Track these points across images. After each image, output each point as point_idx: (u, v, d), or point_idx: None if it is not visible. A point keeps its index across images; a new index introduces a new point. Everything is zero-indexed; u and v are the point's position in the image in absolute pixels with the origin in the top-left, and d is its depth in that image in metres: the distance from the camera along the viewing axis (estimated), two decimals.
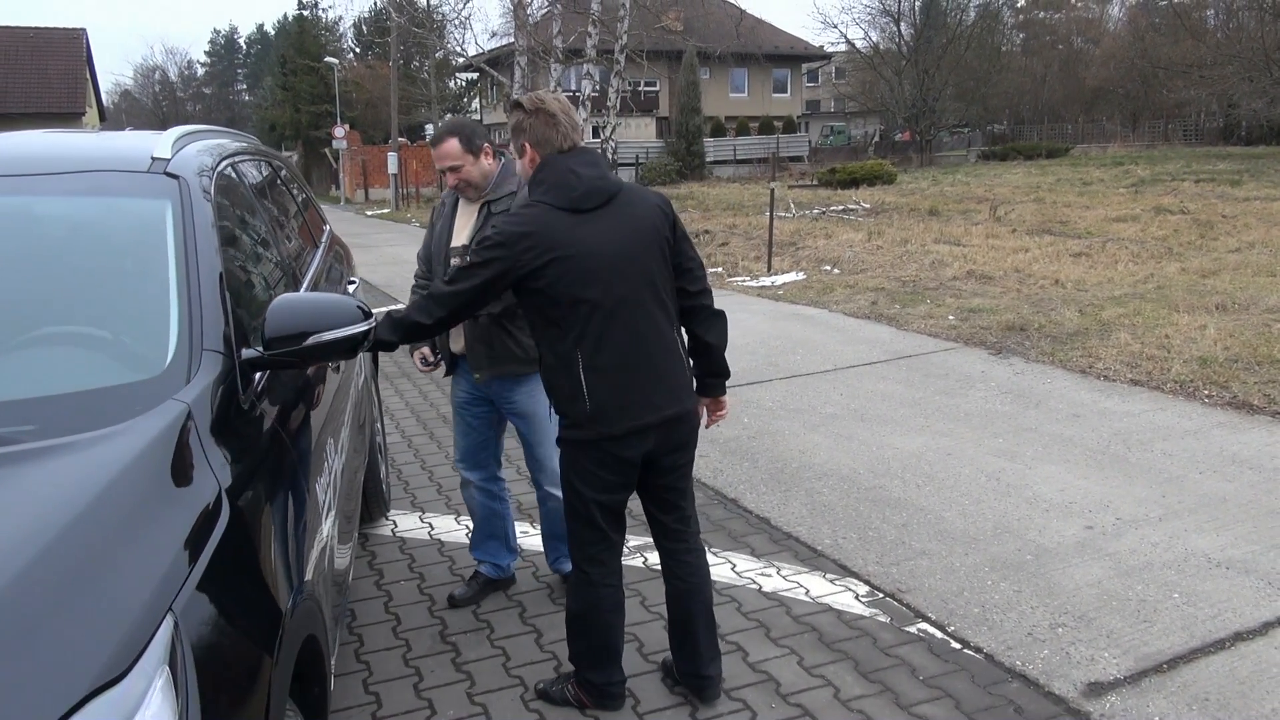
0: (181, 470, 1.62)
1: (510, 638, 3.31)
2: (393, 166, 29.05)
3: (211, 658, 1.36)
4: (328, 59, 35.63)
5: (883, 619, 3.37)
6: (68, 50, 37.81)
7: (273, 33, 77.05)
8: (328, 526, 2.25)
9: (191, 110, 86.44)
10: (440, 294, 2.59)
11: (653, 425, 2.64)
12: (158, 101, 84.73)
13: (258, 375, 2.12)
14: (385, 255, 16.70)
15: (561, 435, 2.69)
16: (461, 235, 3.25)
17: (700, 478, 4.78)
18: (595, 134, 20.95)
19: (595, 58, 19.73)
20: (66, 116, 34.62)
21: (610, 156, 19.99)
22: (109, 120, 50.35)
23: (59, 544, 1.32)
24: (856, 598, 3.53)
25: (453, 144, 3.13)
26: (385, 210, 29.54)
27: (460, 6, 35.50)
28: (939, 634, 3.26)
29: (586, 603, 2.78)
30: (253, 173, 3.31)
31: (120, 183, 2.33)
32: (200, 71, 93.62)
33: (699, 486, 4.69)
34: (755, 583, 3.66)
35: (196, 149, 2.64)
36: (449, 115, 41.04)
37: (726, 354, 2.88)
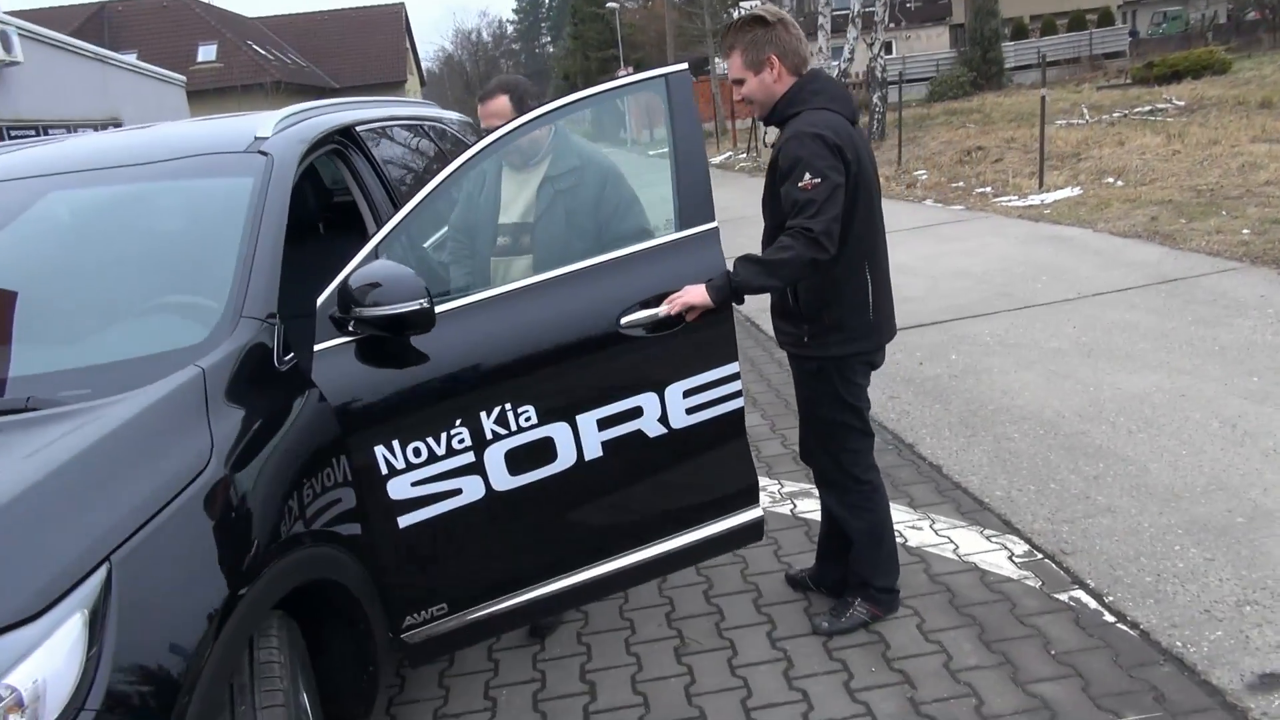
0: (173, 430, 1.80)
1: (740, 626, 3.01)
2: None
3: (141, 609, 1.51)
4: (609, 3, 36.69)
5: (1032, 583, 3.03)
6: (389, 25, 41.98)
7: None
8: (404, 490, 2.28)
9: (504, 67, 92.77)
10: (816, 226, 2.44)
11: (891, 337, 2.84)
12: (475, 62, 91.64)
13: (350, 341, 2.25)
14: (655, 195, 17.05)
15: (835, 353, 2.71)
16: (512, 211, 2.87)
17: (882, 421, 4.53)
18: (839, 53, 19.74)
19: None
20: (390, 86, 38.53)
21: (879, 75, 18.89)
22: (428, 86, 55.32)
23: (18, 499, 1.53)
24: (1010, 557, 3.20)
25: (501, 102, 2.93)
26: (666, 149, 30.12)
27: None
28: (1093, 604, 2.88)
29: (880, 509, 2.87)
30: (397, 140, 3.52)
31: (219, 164, 2.58)
32: (510, 29, 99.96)
33: (878, 429, 4.43)
34: (902, 536, 3.41)
35: (306, 126, 2.83)
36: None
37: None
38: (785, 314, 2.80)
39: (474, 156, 2.49)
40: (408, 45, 43.94)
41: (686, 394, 2.52)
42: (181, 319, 2.23)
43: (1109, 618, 2.81)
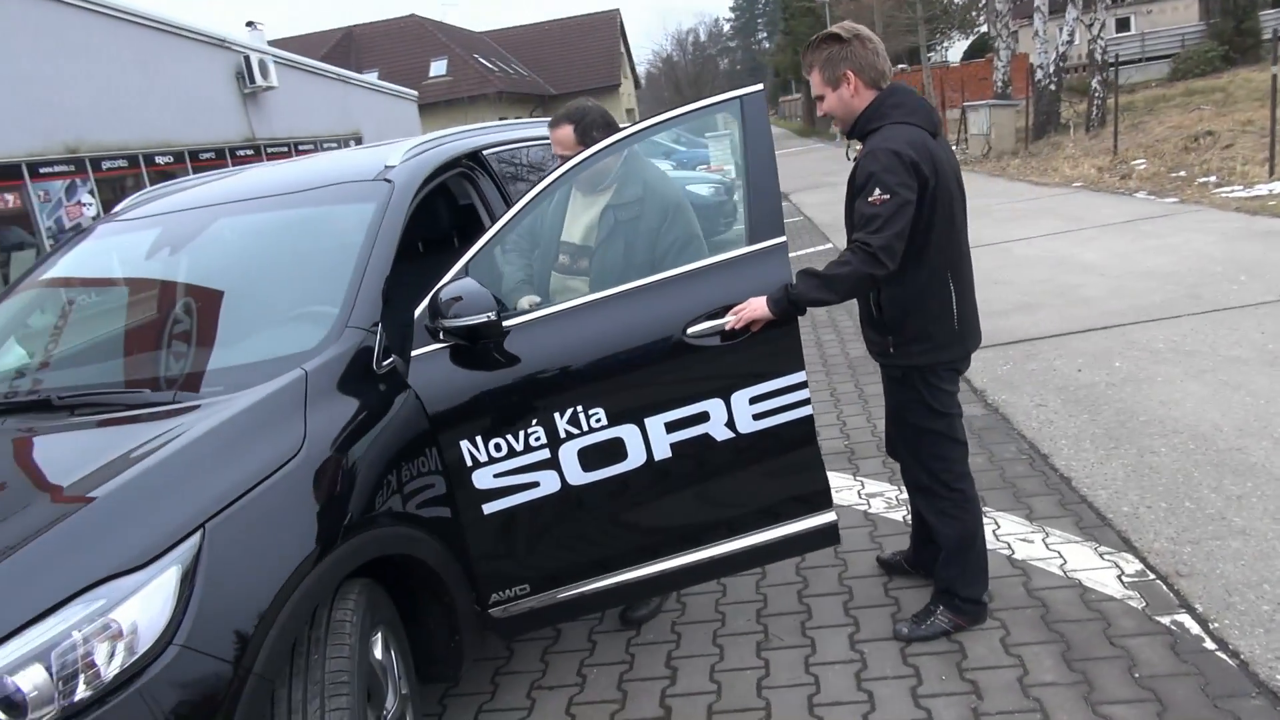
0: (273, 422, 2.16)
1: (824, 626, 3.07)
2: None
3: (227, 568, 1.86)
4: None
5: (1135, 604, 2.92)
6: (604, 31, 43.42)
7: None
8: (487, 481, 2.56)
9: (719, 66, 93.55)
10: (876, 242, 2.51)
11: (978, 345, 2.87)
12: (691, 62, 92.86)
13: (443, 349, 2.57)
14: (839, 193, 16.73)
15: (919, 362, 2.77)
16: (574, 231, 2.94)
17: (1022, 430, 4.41)
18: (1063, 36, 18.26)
19: None
20: (604, 90, 39.88)
21: (1098, 58, 17.56)
22: (643, 88, 56.73)
23: (140, 476, 1.92)
24: (1119, 576, 3.08)
25: (567, 131, 2.99)
26: None
27: None
28: (1195, 629, 2.75)
29: (970, 519, 2.88)
30: (524, 161, 3.84)
31: (352, 191, 2.96)
32: (726, 27, 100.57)
33: (1015, 438, 4.33)
34: (1009, 548, 3.36)
35: (431, 154, 3.18)
36: (959, 34, 38.92)
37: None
38: (871, 323, 2.86)
39: (553, 183, 2.74)
40: (622, 50, 45.26)
41: (753, 400, 2.63)
42: (306, 327, 2.61)
43: (1209, 644, 2.67)
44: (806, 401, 2.66)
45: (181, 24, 15.73)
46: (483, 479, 2.59)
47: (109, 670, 1.68)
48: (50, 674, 1.63)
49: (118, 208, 3.52)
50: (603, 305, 2.64)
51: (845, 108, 2.74)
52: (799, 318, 2.63)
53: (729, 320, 2.57)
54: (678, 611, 3.31)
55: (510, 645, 3.24)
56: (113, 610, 1.71)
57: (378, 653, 2.26)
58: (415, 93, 26.57)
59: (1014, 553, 3.32)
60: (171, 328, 2.77)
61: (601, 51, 43.08)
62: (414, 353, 2.61)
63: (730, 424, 2.65)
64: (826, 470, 2.79)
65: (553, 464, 2.61)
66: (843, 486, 4.09)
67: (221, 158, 16.56)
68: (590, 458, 2.62)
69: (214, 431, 2.07)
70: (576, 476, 2.63)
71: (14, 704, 1.62)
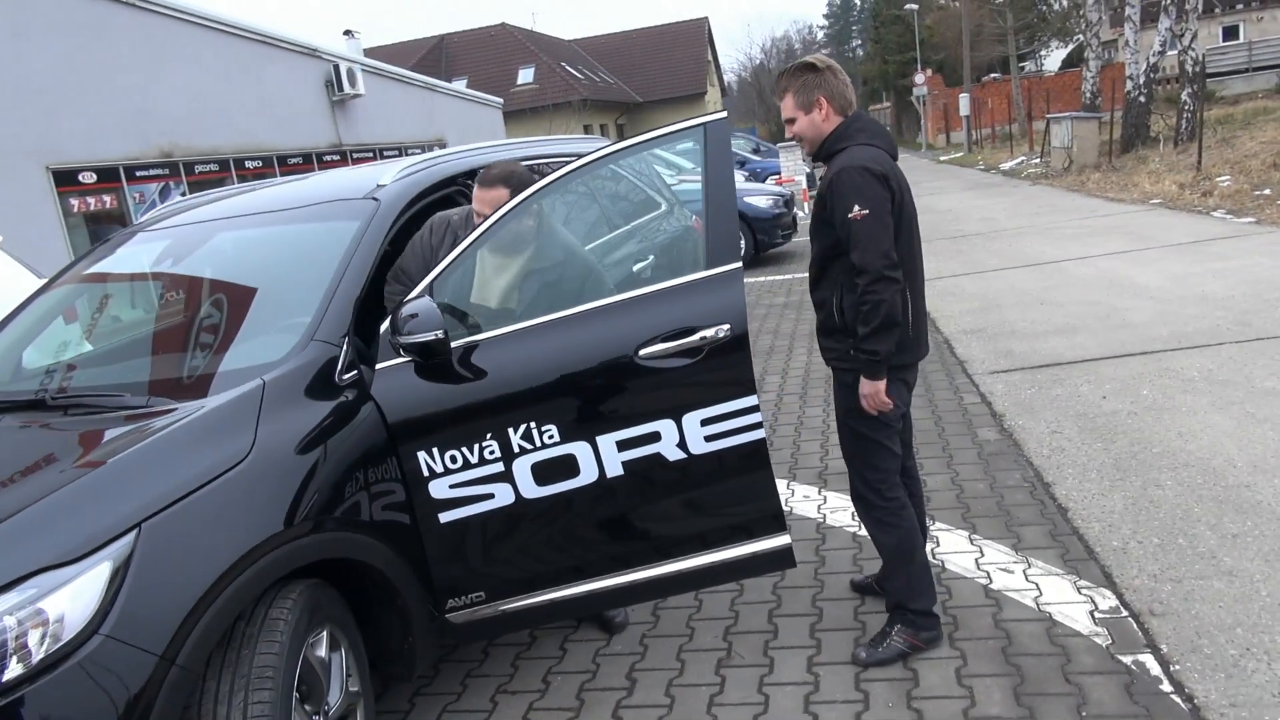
0: (226, 429, 2.30)
1: (786, 647, 3.12)
2: (964, 108, 28.14)
3: (160, 565, 2.00)
4: (909, 5, 35.63)
5: (1100, 641, 2.86)
6: (692, 39, 43.54)
7: None
8: (444, 491, 2.65)
9: None
10: (883, 262, 2.65)
11: (925, 354, 3.00)
12: (778, 69, 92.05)
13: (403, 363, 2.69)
14: (921, 205, 16.51)
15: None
16: (488, 295, 2.89)
17: (1031, 457, 4.33)
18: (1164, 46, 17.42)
19: None
20: (690, 99, 39.99)
21: (1191, 69, 16.83)
22: (728, 96, 56.59)
23: (91, 477, 2.08)
24: (1091, 612, 3.03)
25: (502, 194, 3.01)
26: (959, 154, 28.79)
27: None
28: (1155, 670, 2.69)
29: (906, 527, 2.94)
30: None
31: (341, 209, 3.12)
32: (820, 35, 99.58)
33: (1022, 465, 4.26)
34: (987, 578, 3.32)
35: (424, 174, 3.32)
36: (1058, 44, 37.81)
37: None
38: (830, 331, 2.92)
39: (529, 197, 2.82)
40: (709, 58, 45.29)
41: (704, 423, 2.68)
42: (281, 338, 2.76)
43: (1166, 687, 2.61)
44: (759, 425, 2.69)
45: (274, 34, 16.42)
46: (439, 489, 2.69)
47: (36, 655, 1.84)
48: None
49: (147, 216, 3.76)
50: (558, 326, 2.72)
51: (815, 130, 2.88)
52: (750, 344, 2.68)
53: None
54: (649, 625, 3.37)
55: (485, 649, 3.35)
56: (41, 600, 1.86)
57: (321, 651, 2.38)
58: (500, 100, 27.07)
59: (991, 583, 3.28)
60: (163, 336, 2.97)
61: (689, 59, 43.21)
62: (379, 366, 2.74)
63: (682, 445, 2.69)
64: (780, 491, 2.82)
65: (507, 477, 2.69)
66: (838, 506, 4.09)
67: (309, 163, 17.19)
68: (543, 473, 2.70)
69: (165, 436, 2.23)
70: (530, 490, 2.71)
71: None
